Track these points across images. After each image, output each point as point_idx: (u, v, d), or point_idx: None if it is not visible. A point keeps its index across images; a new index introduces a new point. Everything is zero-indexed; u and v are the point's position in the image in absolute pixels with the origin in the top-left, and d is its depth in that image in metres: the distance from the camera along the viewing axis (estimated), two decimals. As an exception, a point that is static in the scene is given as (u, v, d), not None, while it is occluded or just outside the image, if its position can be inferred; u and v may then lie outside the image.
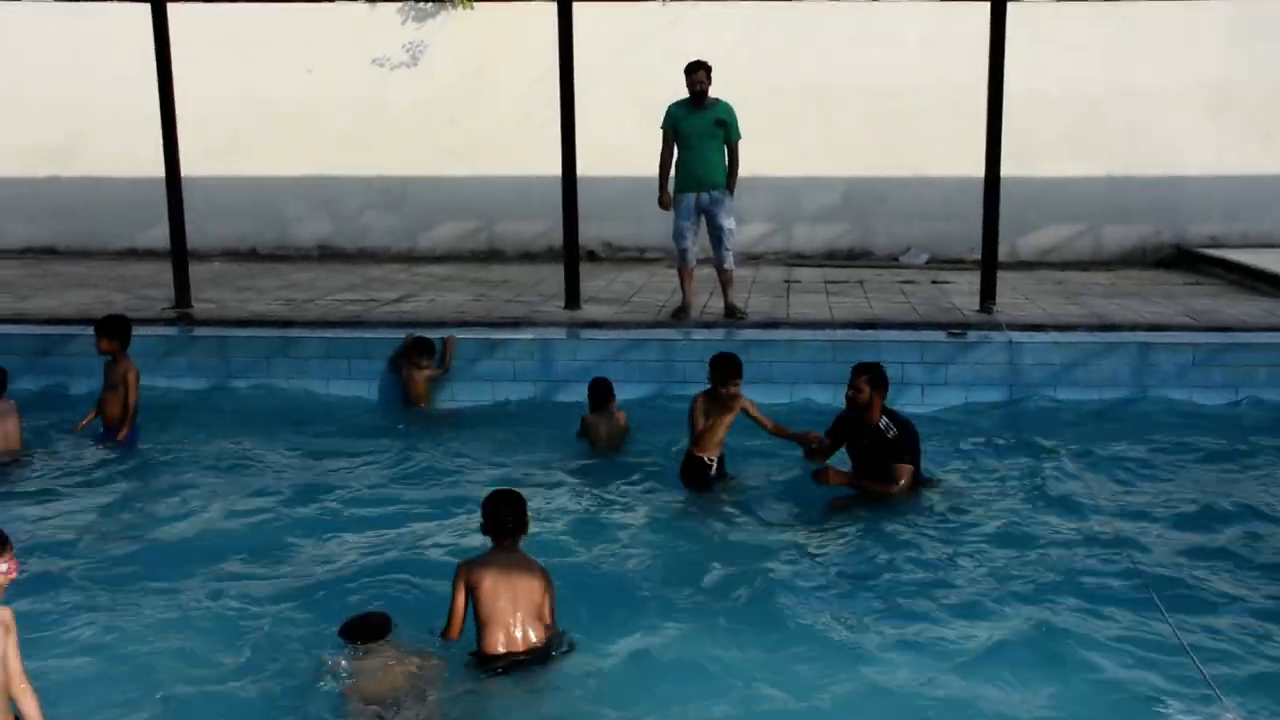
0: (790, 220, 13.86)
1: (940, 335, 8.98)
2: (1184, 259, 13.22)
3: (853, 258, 13.74)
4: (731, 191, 9.53)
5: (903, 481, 6.61)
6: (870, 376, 6.80)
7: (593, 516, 6.54)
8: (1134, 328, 9.22)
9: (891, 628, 5.16)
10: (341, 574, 5.66)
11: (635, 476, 7.20)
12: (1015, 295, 10.66)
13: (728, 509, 6.67)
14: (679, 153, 9.46)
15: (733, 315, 9.58)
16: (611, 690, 4.63)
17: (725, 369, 6.83)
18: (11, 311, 9.92)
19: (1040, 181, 13.07)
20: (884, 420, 6.76)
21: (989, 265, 9.88)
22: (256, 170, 13.88)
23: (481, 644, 4.66)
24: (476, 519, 5.03)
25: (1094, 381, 8.63)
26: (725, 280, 9.72)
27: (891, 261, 13.55)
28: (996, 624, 5.16)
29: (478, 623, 4.68)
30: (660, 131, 9.55)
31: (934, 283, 11.79)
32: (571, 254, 9.90)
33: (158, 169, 10.10)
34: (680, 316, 9.59)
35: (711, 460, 6.91)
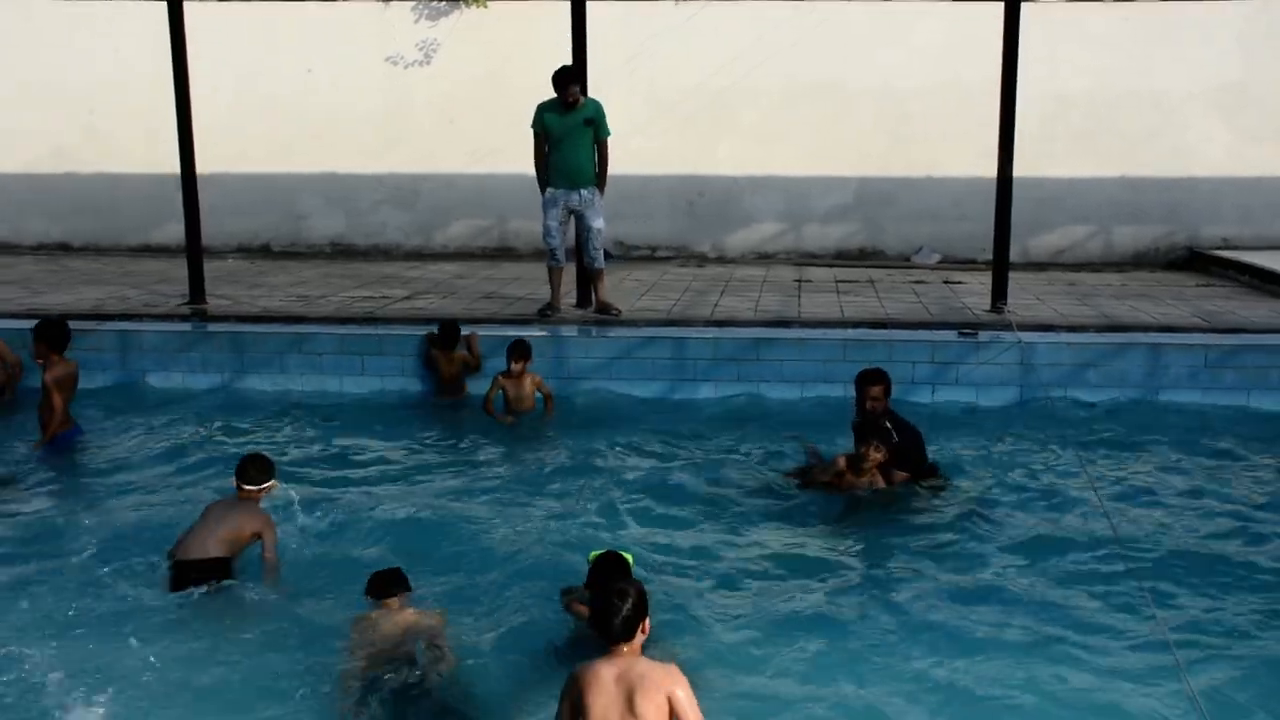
0: (801, 220, 13.86)
1: (951, 335, 8.99)
2: (1196, 261, 13.19)
3: (864, 257, 13.75)
4: (601, 190, 9.55)
5: (894, 485, 6.73)
6: (886, 385, 6.93)
7: (591, 519, 6.54)
8: (1145, 329, 9.23)
9: (884, 625, 5.22)
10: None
11: (636, 475, 7.24)
12: (1026, 296, 10.67)
13: (747, 513, 6.68)
14: (550, 153, 9.47)
15: (606, 312, 9.65)
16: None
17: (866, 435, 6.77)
18: (25, 307, 9.97)
19: (1052, 182, 13.08)
20: (886, 423, 6.80)
21: (1000, 265, 9.89)
22: (270, 167, 13.95)
23: None
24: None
25: (1104, 382, 8.64)
26: (596, 278, 9.78)
27: (903, 261, 13.56)
28: (988, 626, 5.18)
29: None
30: (531, 132, 9.50)
31: (945, 283, 11.79)
32: (581, 254, 9.91)
33: (172, 166, 10.16)
34: (547, 314, 9.66)
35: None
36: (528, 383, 8.37)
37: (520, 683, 4.70)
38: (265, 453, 6.01)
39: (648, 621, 3.93)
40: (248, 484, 5.72)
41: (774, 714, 4.50)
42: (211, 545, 5.45)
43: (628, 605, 3.83)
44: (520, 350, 8.34)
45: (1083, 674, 4.75)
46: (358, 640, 4.76)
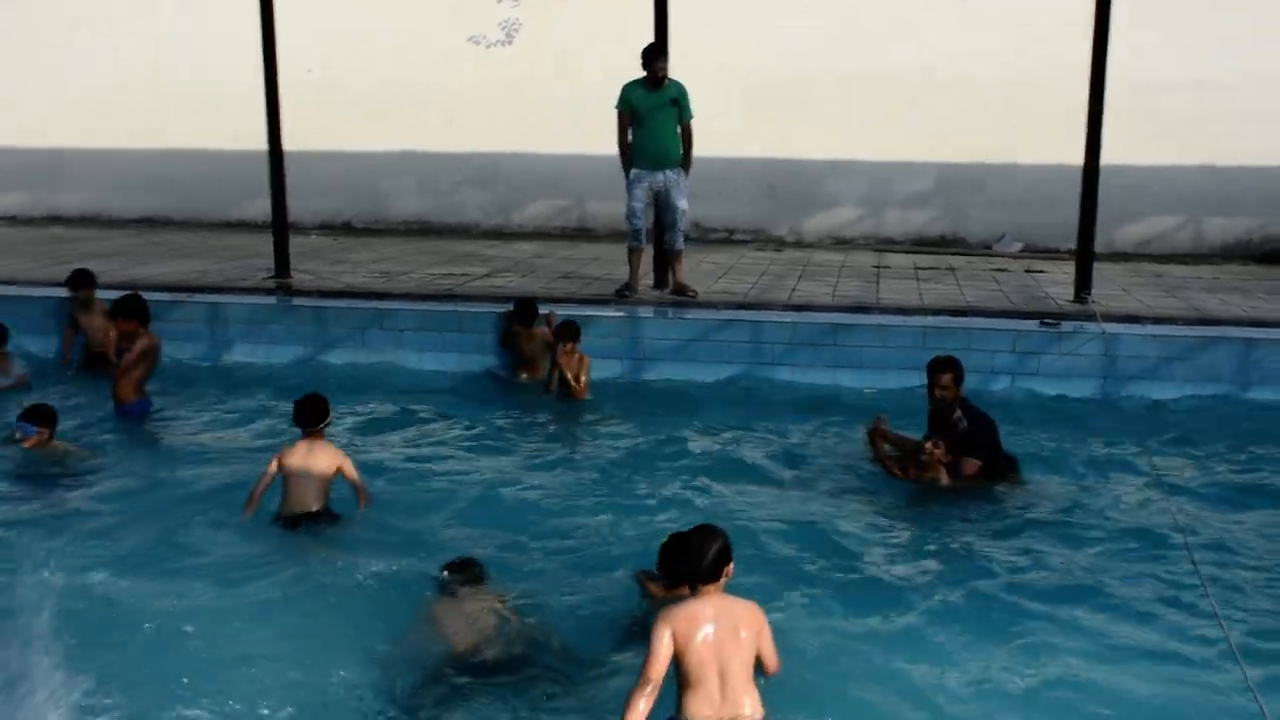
0: (881, 205, 13.73)
1: (1033, 325, 8.86)
2: (1293, 255, 12.82)
3: (944, 244, 13.58)
4: (687, 171, 9.53)
5: (967, 472, 6.62)
6: (955, 373, 6.82)
7: (661, 498, 6.59)
8: (1236, 323, 9.00)
9: (955, 618, 5.15)
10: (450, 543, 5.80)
11: (708, 459, 7.26)
12: (1111, 287, 10.45)
13: (817, 502, 6.65)
14: (634, 133, 9.49)
15: (683, 294, 9.68)
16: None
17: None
18: (124, 278, 10.28)
19: (1140, 170, 12.78)
20: (957, 413, 6.73)
21: (1085, 254, 9.71)
22: (354, 146, 14.17)
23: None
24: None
25: (1192, 377, 8.43)
26: (674, 260, 9.79)
27: (984, 249, 13.37)
28: (1057, 624, 5.10)
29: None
30: (615, 112, 9.55)
31: (1027, 271, 11.61)
32: (660, 234, 9.94)
33: (260, 143, 10.37)
34: (625, 294, 9.67)
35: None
36: (575, 363, 8.37)
37: (600, 659, 4.73)
38: (318, 392, 6.31)
39: (732, 566, 4.05)
40: (311, 425, 6.16)
41: (824, 697, 4.50)
42: (311, 499, 6.00)
43: (715, 547, 3.98)
44: (567, 332, 8.33)
45: (1146, 686, 4.60)
46: (439, 625, 4.75)
